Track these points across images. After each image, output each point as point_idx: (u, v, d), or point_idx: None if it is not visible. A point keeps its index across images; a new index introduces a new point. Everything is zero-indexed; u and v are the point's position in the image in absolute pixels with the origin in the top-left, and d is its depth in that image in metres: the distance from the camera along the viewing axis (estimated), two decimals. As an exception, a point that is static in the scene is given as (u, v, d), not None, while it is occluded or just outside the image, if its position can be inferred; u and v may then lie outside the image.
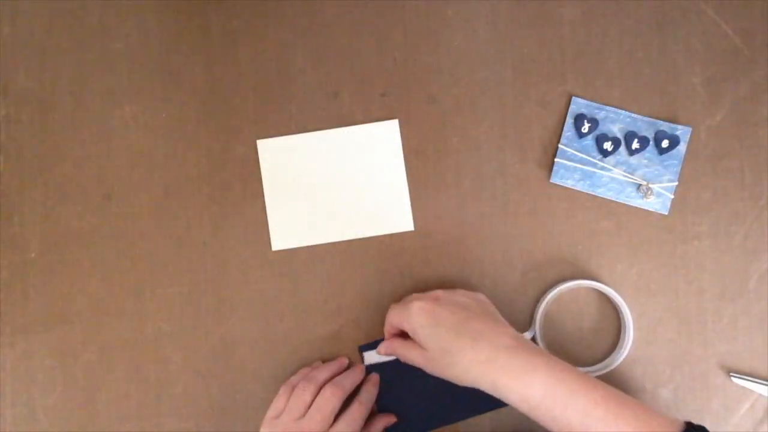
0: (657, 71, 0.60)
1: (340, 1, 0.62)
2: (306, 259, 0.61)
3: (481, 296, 0.56)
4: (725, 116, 0.59)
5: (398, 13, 0.61)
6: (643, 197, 0.59)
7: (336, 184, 0.61)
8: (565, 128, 0.60)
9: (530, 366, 0.47)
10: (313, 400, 0.54)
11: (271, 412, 0.55)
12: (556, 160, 0.59)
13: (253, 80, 0.62)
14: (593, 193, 0.59)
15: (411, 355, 0.54)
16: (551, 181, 0.60)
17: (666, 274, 0.59)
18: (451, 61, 0.61)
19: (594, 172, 0.59)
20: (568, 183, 0.59)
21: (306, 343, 0.61)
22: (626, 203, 0.59)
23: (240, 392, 0.61)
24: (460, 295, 0.54)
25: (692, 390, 0.58)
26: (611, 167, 0.59)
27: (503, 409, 0.58)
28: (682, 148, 0.59)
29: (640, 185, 0.59)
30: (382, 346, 0.57)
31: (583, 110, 0.60)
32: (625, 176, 0.59)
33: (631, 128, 0.59)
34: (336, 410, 0.54)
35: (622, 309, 0.58)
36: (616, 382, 0.59)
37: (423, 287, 0.60)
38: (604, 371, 0.58)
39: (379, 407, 0.59)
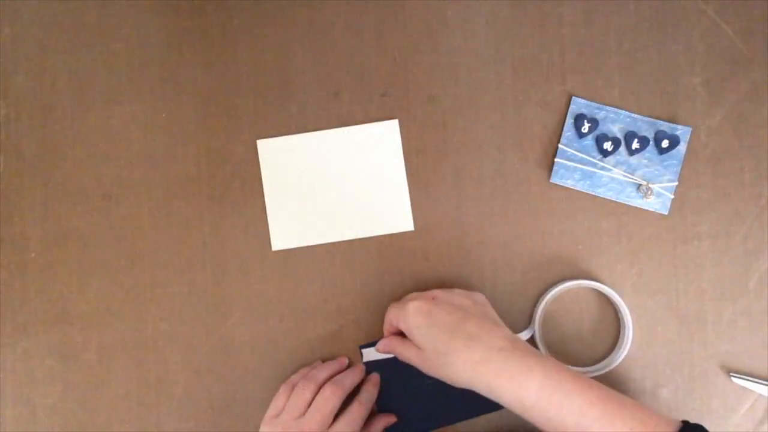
0: (657, 71, 0.60)
1: (340, 1, 0.62)
2: (306, 259, 0.61)
3: (479, 296, 0.56)
4: (725, 116, 0.59)
5: (398, 13, 0.61)
6: (643, 197, 0.59)
7: (336, 184, 0.61)
8: (565, 128, 0.60)
9: (524, 367, 0.47)
10: (313, 399, 0.54)
11: (271, 411, 0.55)
12: (556, 160, 0.59)
13: (253, 80, 0.62)
14: (593, 193, 0.59)
15: (408, 355, 0.54)
16: (551, 181, 0.60)
17: (666, 274, 0.59)
18: (451, 61, 0.61)
19: (594, 172, 0.59)
20: (568, 183, 0.59)
21: (306, 343, 0.61)
22: (626, 203, 0.59)
23: (240, 392, 0.61)
24: (457, 296, 0.54)
25: (692, 390, 0.58)
26: (611, 167, 0.59)
27: (503, 410, 0.58)
28: (682, 148, 0.59)
29: (640, 185, 0.59)
30: (380, 344, 0.57)
31: (583, 110, 0.60)
32: (625, 176, 0.59)
33: (631, 128, 0.59)
34: (336, 409, 0.54)
35: (622, 309, 0.58)
36: (616, 382, 0.59)
37: (423, 287, 0.60)
38: (604, 371, 0.58)
39: (379, 407, 0.59)
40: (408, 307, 0.52)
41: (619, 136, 0.59)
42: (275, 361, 0.61)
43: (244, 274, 0.61)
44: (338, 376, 0.57)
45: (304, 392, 0.55)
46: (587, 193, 0.60)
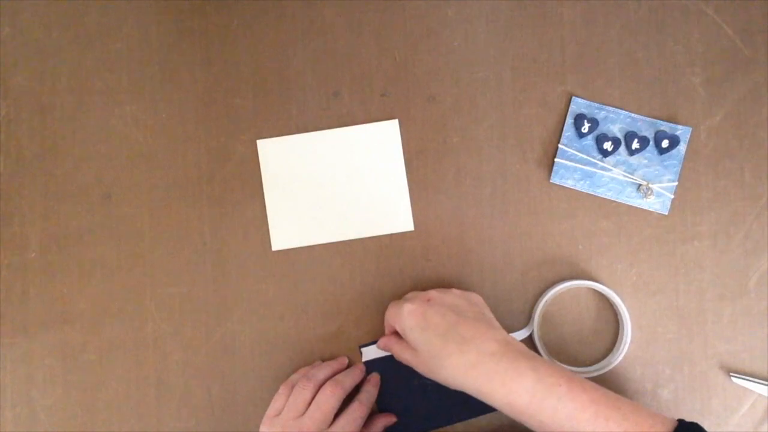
0: (657, 71, 0.60)
1: (340, 1, 0.62)
2: (306, 259, 0.61)
3: (475, 297, 0.56)
4: (725, 116, 0.59)
5: (398, 13, 0.61)
6: (643, 197, 0.59)
7: (336, 184, 0.61)
8: (565, 128, 0.60)
9: (515, 372, 0.47)
10: (312, 399, 0.54)
11: (271, 410, 0.55)
12: (556, 160, 0.59)
13: (253, 80, 0.62)
14: (593, 193, 0.59)
15: (404, 355, 0.54)
16: (551, 181, 0.60)
17: (666, 274, 0.59)
18: (451, 61, 0.61)
19: (594, 172, 0.59)
20: (568, 183, 0.59)
21: (306, 343, 0.61)
22: (626, 203, 0.59)
23: (240, 392, 0.61)
24: (453, 296, 0.54)
25: (692, 390, 0.58)
26: (611, 167, 0.59)
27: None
28: (682, 148, 0.59)
29: (640, 185, 0.59)
30: (380, 342, 0.57)
31: (583, 110, 0.60)
32: (625, 176, 0.59)
33: (631, 128, 0.59)
34: (336, 408, 0.54)
35: (620, 309, 0.58)
36: (616, 382, 0.59)
37: (423, 287, 0.60)
38: (603, 371, 0.58)
39: (379, 406, 0.59)
40: (403, 309, 0.52)
41: (619, 136, 0.59)
42: (275, 361, 0.61)
43: (244, 274, 0.61)
44: (338, 376, 0.57)
45: (303, 392, 0.55)
46: (587, 193, 0.60)
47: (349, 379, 0.57)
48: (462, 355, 0.48)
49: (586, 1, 0.60)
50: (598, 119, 0.59)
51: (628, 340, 0.58)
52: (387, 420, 0.58)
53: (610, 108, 0.59)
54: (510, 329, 0.59)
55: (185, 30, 0.62)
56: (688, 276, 0.59)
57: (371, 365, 0.59)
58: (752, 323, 0.58)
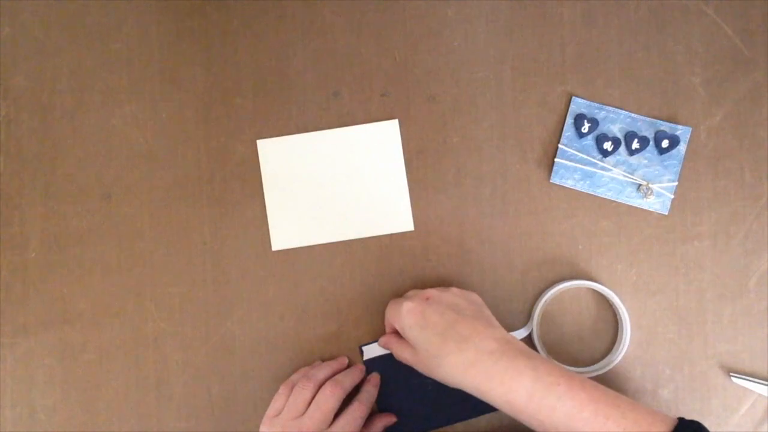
0: (657, 71, 0.60)
1: (340, 1, 0.62)
2: (306, 259, 0.61)
3: (474, 296, 0.56)
4: (725, 116, 0.59)
5: (398, 13, 0.61)
6: (643, 197, 0.59)
7: (336, 184, 0.61)
8: (565, 128, 0.60)
9: (515, 371, 0.47)
10: (312, 399, 0.54)
11: (271, 410, 0.55)
12: (556, 160, 0.59)
13: (253, 80, 0.62)
14: (593, 193, 0.59)
15: (403, 354, 0.54)
16: (551, 181, 0.60)
17: (666, 274, 0.59)
18: (451, 61, 0.61)
19: (594, 172, 0.59)
20: (568, 183, 0.59)
21: (306, 343, 0.61)
22: (626, 203, 0.59)
23: (240, 392, 0.61)
24: (452, 295, 0.54)
25: (692, 390, 0.58)
26: (611, 167, 0.59)
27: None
28: (682, 148, 0.59)
29: (640, 185, 0.59)
30: (381, 340, 0.58)
31: (583, 110, 0.60)
32: (625, 176, 0.59)
33: (631, 128, 0.59)
34: (336, 408, 0.54)
35: (620, 309, 0.58)
36: (615, 382, 0.59)
37: (422, 287, 0.60)
38: (603, 371, 0.58)
39: (379, 406, 0.59)
40: (402, 308, 0.52)
41: (619, 136, 0.59)
42: (275, 361, 0.61)
43: (244, 274, 0.61)
44: (338, 376, 0.57)
45: (303, 391, 0.55)
46: (587, 193, 0.60)
47: (349, 379, 0.57)
48: (461, 354, 0.48)
49: (586, 1, 0.60)
50: (598, 119, 0.59)
51: (628, 340, 0.58)
52: (387, 420, 0.58)
53: (610, 108, 0.59)
54: (510, 329, 0.59)
55: (185, 30, 0.62)
56: (688, 276, 0.59)
57: (372, 364, 0.60)
58: (752, 323, 0.58)
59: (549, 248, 0.60)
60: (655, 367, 0.59)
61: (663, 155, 0.59)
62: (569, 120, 0.60)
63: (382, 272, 0.61)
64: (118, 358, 0.61)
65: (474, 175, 0.60)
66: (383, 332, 0.59)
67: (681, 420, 0.46)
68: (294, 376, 0.58)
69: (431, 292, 0.54)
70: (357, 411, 0.55)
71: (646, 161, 0.59)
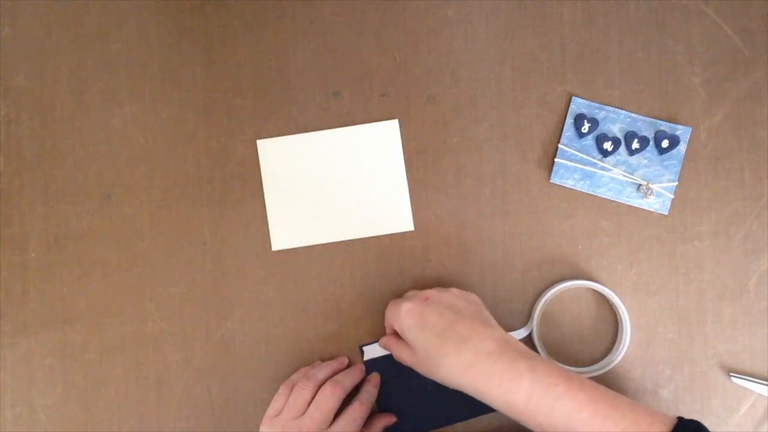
0: (657, 71, 0.60)
1: (340, 1, 0.62)
2: (306, 259, 0.61)
3: (473, 296, 0.55)
4: (725, 116, 0.59)
5: (398, 13, 0.61)
6: (643, 197, 0.59)
7: (336, 184, 0.61)
8: (565, 128, 0.60)
9: (513, 373, 0.47)
10: (312, 398, 0.54)
11: (271, 410, 0.55)
12: (556, 160, 0.59)
13: (253, 80, 0.62)
14: (593, 193, 0.59)
15: (403, 355, 0.54)
16: (551, 181, 0.60)
17: (666, 274, 0.59)
18: (451, 61, 0.61)
19: (594, 172, 0.59)
20: (568, 183, 0.59)
21: (306, 343, 0.61)
22: (626, 203, 0.59)
23: (240, 392, 0.61)
24: (451, 296, 0.54)
25: (692, 390, 0.58)
26: (611, 167, 0.59)
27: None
28: (682, 148, 0.59)
29: (640, 185, 0.59)
30: (381, 341, 0.57)
31: (583, 110, 0.60)
32: (625, 176, 0.59)
33: (631, 128, 0.59)
34: (335, 408, 0.54)
35: (619, 309, 0.58)
36: (615, 382, 0.59)
37: (422, 287, 0.60)
38: (603, 371, 0.58)
39: (379, 406, 0.59)
40: (401, 309, 0.52)
41: (619, 136, 0.59)
42: (275, 361, 0.61)
43: (244, 274, 0.61)
44: (338, 376, 0.57)
45: (303, 391, 0.55)
46: (587, 193, 0.60)
47: (349, 379, 0.57)
48: (459, 355, 0.48)
49: (586, 1, 0.60)
50: (598, 119, 0.59)
51: (628, 340, 0.58)
52: (387, 420, 0.58)
53: (610, 108, 0.59)
54: (510, 329, 0.59)
55: (185, 30, 0.62)
56: (688, 276, 0.59)
57: (372, 364, 0.60)
58: (752, 323, 0.58)
59: (549, 248, 0.60)
60: (655, 367, 0.59)
61: (663, 155, 0.59)
62: (569, 120, 0.60)
63: (382, 272, 0.61)
64: (118, 358, 0.61)
65: (474, 175, 0.60)
66: (383, 332, 0.59)
67: (680, 419, 0.45)
68: (294, 376, 0.58)
69: (430, 292, 0.54)
70: (357, 411, 0.55)
71: (646, 161, 0.59)
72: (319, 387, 0.55)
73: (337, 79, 0.61)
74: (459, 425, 0.59)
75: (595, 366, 0.59)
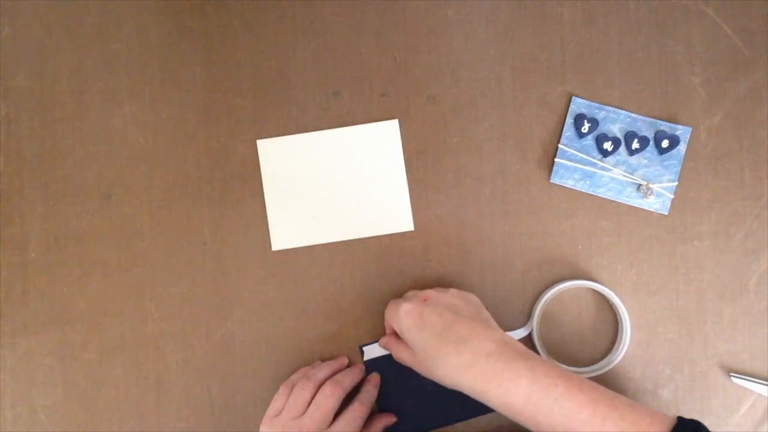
0: (657, 71, 0.60)
1: (340, 1, 0.62)
2: (306, 259, 0.61)
3: (473, 297, 0.56)
4: (725, 116, 0.59)
5: (398, 13, 0.61)
6: (643, 197, 0.59)
7: (336, 184, 0.61)
8: (565, 128, 0.60)
9: (512, 373, 0.46)
10: (312, 398, 0.54)
11: (271, 410, 0.55)
12: (556, 160, 0.59)
13: (253, 80, 0.62)
14: (593, 193, 0.59)
15: (402, 355, 0.54)
16: (551, 181, 0.60)
17: (666, 274, 0.59)
18: (451, 61, 0.61)
19: (594, 172, 0.59)
20: (568, 183, 0.59)
21: (306, 343, 0.61)
22: (626, 203, 0.59)
23: (240, 392, 0.61)
24: (450, 296, 0.54)
25: (692, 390, 0.58)
26: (611, 167, 0.59)
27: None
28: (682, 148, 0.59)
29: (640, 185, 0.59)
30: (381, 341, 0.58)
31: (583, 110, 0.60)
32: (625, 176, 0.59)
33: (631, 128, 0.59)
34: (335, 408, 0.54)
35: (620, 309, 0.58)
36: (615, 382, 0.59)
37: (422, 287, 0.60)
38: (603, 371, 0.58)
39: (379, 406, 0.59)
40: (400, 309, 0.52)
41: (619, 136, 0.59)
42: (275, 361, 0.61)
43: (244, 274, 0.61)
44: (338, 376, 0.57)
45: (303, 391, 0.55)
46: (587, 193, 0.60)
47: (349, 379, 0.57)
48: (458, 356, 0.48)
49: (586, 1, 0.60)
50: (598, 119, 0.59)
51: (628, 340, 0.58)
52: (387, 420, 0.58)
53: (610, 108, 0.59)
54: (509, 329, 0.59)
55: (185, 30, 0.62)
56: (688, 276, 0.59)
57: (372, 364, 0.60)
58: (752, 323, 0.58)
59: (549, 248, 0.60)
60: (655, 367, 0.59)
61: (663, 155, 0.59)
62: (569, 120, 0.60)
63: (382, 272, 0.61)
64: (118, 358, 0.61)
65: (474, 175, 0.60)
66: (383, 332, 0.59)
67: (680, 419, 0.45)
68: (294, 376, 0.58)
69: (430, 293, 0.54)
70: (357, 411, 0.55)
71: (646, 161, 0.59)
72: (319, 387, 0.55)
73: (337, 79, 0.61)
74: (459, 425, 0.59)
75: (595, 366, 0.59)
